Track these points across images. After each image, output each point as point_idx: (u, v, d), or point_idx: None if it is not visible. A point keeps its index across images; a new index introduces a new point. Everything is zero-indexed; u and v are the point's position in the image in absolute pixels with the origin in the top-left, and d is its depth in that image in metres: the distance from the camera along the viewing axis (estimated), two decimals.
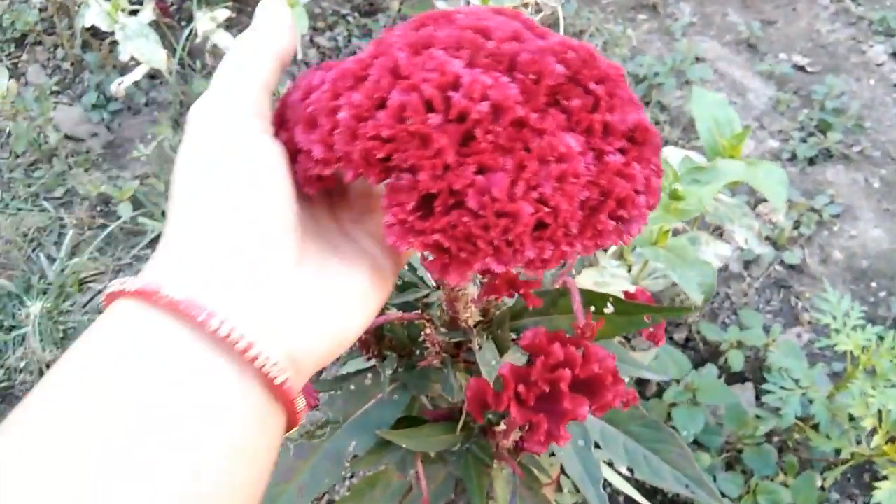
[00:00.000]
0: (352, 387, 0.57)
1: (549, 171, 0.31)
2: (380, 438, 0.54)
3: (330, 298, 0.32)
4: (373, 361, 0.60)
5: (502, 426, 0.54)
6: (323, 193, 0.37)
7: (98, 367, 0.27)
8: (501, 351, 0.52)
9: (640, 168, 0.33)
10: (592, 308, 0.52)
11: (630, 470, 0.63)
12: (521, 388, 0.42)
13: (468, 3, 1.03)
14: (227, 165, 0.32)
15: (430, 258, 0.32)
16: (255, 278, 0.30)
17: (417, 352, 0.58)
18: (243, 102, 0.33)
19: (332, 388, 0.58)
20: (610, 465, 0.64)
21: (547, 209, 0.31)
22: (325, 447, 0.56)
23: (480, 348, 0.50)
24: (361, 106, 0.31)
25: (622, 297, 0.55)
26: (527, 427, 0.43)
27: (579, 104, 0.32)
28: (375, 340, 0.59)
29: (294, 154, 0.34)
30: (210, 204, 0.31)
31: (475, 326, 0.53)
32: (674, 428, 1.26)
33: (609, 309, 0.51)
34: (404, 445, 0.53)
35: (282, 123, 0.35)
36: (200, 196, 0.31)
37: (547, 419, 0.41)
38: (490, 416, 0.55)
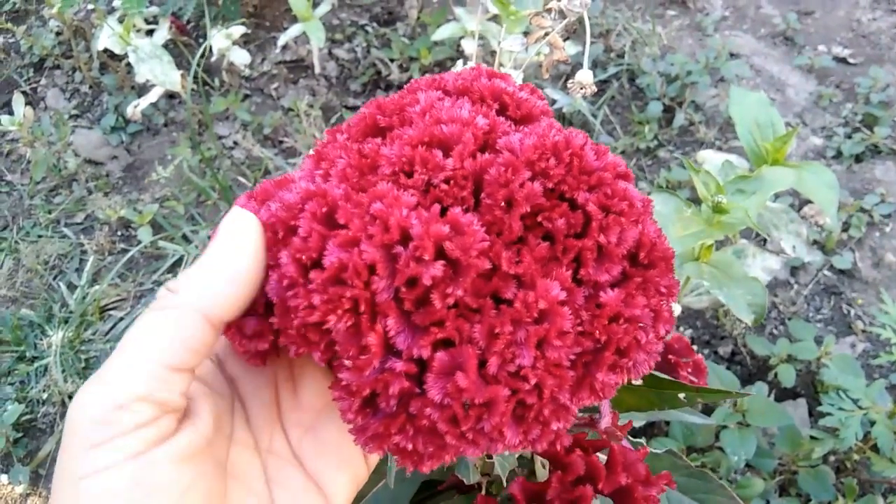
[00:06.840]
0: None
1: (528, 334, 0.25)
2: None
3: None
4: None
5: None
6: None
7: None
8: None
9: (644, 300, 0.28)
10: None
11: None
12: None
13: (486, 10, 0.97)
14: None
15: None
16: None
17: None
18: (133, 399, 0.26)
19: None
20: None
21: (528, 386, 0.25)
22: None
23: None
24: (287, 270, 0.27)
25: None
26: None
27: (564, 226, 0.27)
28: None
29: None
30: None
31: None
32: (721, 450, 1.18)
33: (638, 381, 0.45)
34: None
35: None
36: None
37: None
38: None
